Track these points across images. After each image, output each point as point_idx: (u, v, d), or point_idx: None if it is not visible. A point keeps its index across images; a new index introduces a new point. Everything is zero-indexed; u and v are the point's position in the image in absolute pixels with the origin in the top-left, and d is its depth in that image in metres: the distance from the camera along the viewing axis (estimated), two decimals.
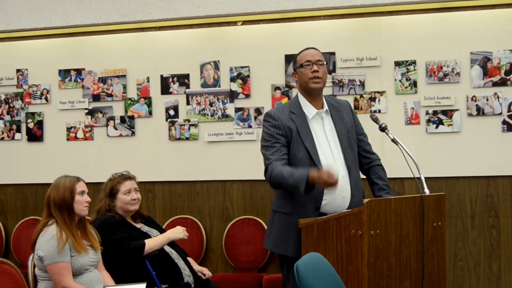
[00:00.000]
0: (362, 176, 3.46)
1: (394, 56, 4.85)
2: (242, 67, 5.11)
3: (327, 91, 3.46)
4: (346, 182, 3.27)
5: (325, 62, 3.36)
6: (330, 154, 3.28)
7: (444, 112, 4.77)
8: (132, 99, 5.31)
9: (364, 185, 3.44)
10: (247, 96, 5.11)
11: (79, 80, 5.42)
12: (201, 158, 5.17)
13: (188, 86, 5.21)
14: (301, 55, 3.38)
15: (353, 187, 3.29)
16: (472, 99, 4.73)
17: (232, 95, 5.13)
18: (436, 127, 4.78)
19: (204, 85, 5.19)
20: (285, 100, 4.96)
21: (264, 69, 5.07)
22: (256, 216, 5.09)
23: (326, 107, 3.38)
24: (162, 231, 3.94)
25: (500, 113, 4.70)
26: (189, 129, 5.19)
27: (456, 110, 4.75)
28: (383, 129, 3.38)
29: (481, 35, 4.72)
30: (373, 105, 4.87)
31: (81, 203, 3.45)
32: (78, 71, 5.42)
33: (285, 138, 3.29)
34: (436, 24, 4.78)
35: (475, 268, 4.75)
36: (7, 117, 5.56)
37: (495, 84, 4.71)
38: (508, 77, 4.69)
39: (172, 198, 5.27)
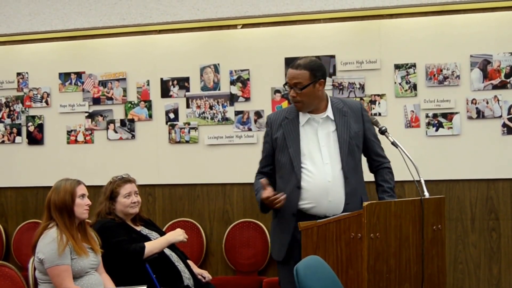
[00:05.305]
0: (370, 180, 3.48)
1: (394, 59, 4.85)
2: (242, 70, 5.12)
3: (327, 93, 3.48)
4: (334, 188, 3.26)
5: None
6: (319, 159, 3.28)
7: (444, 115, 4.77)
8: (132, 102, 5.32)
9: (372, 188, 3.46)
10: (247, 99, 5.12)
11: (79, 84, 5.42)
12: (201, 161, 5.17)
13: (188, 89, 5.21)
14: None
15: (348, 194, 3.28)
16: (472, 102, 4.73)
17: (232, 98, 5.13)
18: (436, 130, 4.78)
19: (204, 88, 5.19)
20: (285, 104, 4.97)
21: (264, 72, 5.07)
22: (256, 219, 5.08)
23: (328, 112, 3.36)
24: (162, 234, 3.94)
25: (500, 116, 4.70)
26: (189, 132, 5.19)
27: (456, 113, 4.75)
28: (383, 132, 3.39)
29: (481, 38, 4.72)
30: (373, 108, 4.88)
31: (82, 206, 3.45)
32: (78, 75, 5.43)
33: (271, 145, 3.43)
34: (436, 27, 4.78)
35: (475, 271, 4.74)
36: (8, 121, 5.57)
37: (495, 87, 4.71)
38: (508, 80, 4.69)
39: (172, 201, 5.27)
